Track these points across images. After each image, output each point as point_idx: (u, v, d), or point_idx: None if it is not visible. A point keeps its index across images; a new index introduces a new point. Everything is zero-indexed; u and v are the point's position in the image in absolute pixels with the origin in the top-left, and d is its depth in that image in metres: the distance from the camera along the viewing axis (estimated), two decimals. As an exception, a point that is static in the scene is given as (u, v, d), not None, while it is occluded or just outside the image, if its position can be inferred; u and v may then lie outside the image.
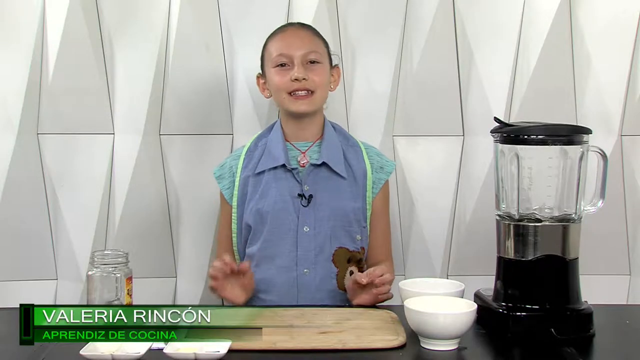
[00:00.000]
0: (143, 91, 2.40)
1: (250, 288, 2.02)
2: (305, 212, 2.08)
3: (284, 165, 2.10)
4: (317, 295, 2.06)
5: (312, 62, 2.11)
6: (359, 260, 2.13)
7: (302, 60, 2.09)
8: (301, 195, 2.08)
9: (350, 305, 1.97)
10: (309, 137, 2.15)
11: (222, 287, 1.96)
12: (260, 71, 2.19)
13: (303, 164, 2.12)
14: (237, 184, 2.13)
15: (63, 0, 2.35)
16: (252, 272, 2.03)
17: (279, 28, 2.19)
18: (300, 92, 2.09)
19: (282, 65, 2.10)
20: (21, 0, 2.37)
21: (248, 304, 2.07)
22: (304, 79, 2.08)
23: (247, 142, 2.20)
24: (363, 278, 1.91)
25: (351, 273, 2.08)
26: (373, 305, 1.93)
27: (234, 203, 2.13)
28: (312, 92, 2.10)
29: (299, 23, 2.22)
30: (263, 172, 2.11)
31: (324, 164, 2.10)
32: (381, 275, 1.91)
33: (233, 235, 2.15)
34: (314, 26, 2.22)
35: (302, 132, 2.15)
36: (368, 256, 2.16)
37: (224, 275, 1.94)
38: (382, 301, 1.94)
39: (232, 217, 2.14)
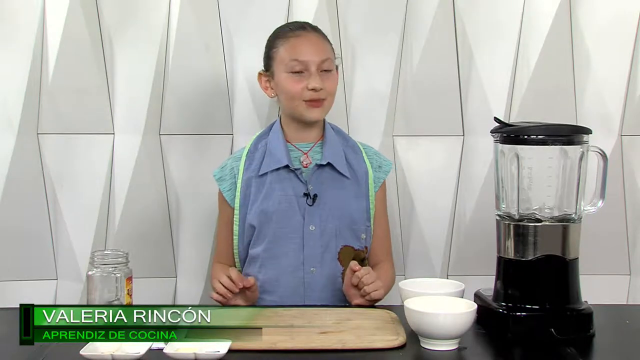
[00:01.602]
0: (143, 91, 2.40)
1: (253, 300, 2.01)
2: (311, 211, 2.08)
3: (286, 167, 2.09)
4: (323, 294, 2.07)
5: (326, 70, 2.09)
6: (362, 259, 2.13)
7: (317, 68, 2.07)
8: (307, 195, 2.08)
9: (350, 305, 1.97)
10: (310, 138, 2.15)
11: (226, 302, 1.95)
12: (264, 69, 2.17)
13: (306, 164, 2.12)
14: (239, 185, 2.12)
15: (63, 0, 2.35)
16: (257, 286, 2.02)
17: (290, 29, 2.14)
18: (315, 101, 2.08)
19: (297, 71, 2.08)
20: (21, 0, 2.37)
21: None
22: (321, 89, 2.07)
23: (246, 144, 2.19)
24: (357, 267, 1.95)
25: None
26: (373, 306, 1.93)
27: (237, 205, 2.12)
28: (324, 99, 2.09)
29: (309, 25, 2.16)
30: (266, 173, 2.11)
31: (328, 164, 2.10)
32: (363, 278, 1.93)
33: (234, 237, 2.14)
34: (317, 26, 2.19)
35: (303, 133, 2.15)
36: (369, 256, 2.16)
37: (229, 295, 1.93)
38: (375, 300, 1.94)
39: (234, 219, 2.13)
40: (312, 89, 2.06)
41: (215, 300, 1.95)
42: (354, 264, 1.96)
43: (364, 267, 1.97)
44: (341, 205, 2.10)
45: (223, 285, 1.93)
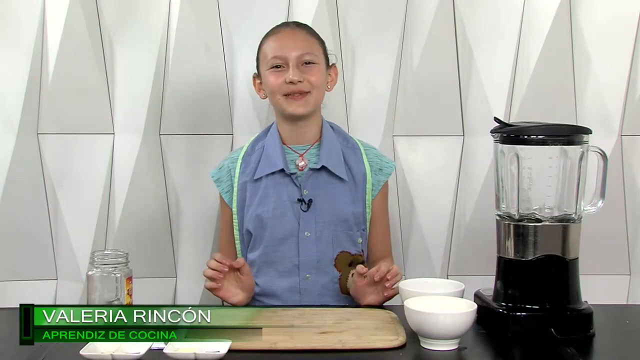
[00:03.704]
0: (143, 91, 2.40)
1: (248, 286, 1.99)
2: (306, 217, 2.07)
3: (282, 170, 2.09)
4: (320, 300, 2.06)
5: (308, 62, 2.08)
6: (360, 264, 2.13)
7: (297, 61, 2.07)
8: (301, 200, 2.08)
9: (350, 306, 1.97)
10: (307, 140, 2.14)
11: (220, 287, 1.94)
12: (257, 71, 2.18)
13: (301, 167, 2.11)
14: (235, 189, 2.12)
15: (63, 0, 2.35)
16: (249, 268, 2.01)
17: (273, 28, 2.17)
18: (295, 94, 2.07)
19: (276, 67, 2.08)
20: (21, 0, 2.37)
21: (248, 305, 2.07)
22: (299, 81, 2.06)
23: (244, 145, 2.19)
24: (375, 275, 1.90)
25: (353, 275, 2.09)
26: (372, 306, 1.93)
27: (234, 208, 2.12)
28: (307, 92, 2.08)
29: (294, 22, 2.20)
30: (261, 178, 2.10)
31: (323, 167, 2.09)
32: (389, 270, 1.90)
33: (236, 241, 2.14)
34: (312, 26, 2.20)
35: (299, 135, 2.13)
36: (368, 255, 2.16)
37: (220, 275, 1.92)
38: (391, 297, 1.93)
39: (234, 223, 2.13)
40: (290, 82, 2.05)
41: (209, 290, 1.94)
42: (360, 268, 1.94)
43: (382, 264, 1.93)
44: (337, 210, 2.08)
45: (211, 269, 1.91)
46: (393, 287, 1.90)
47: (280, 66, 2.08)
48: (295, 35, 2.12)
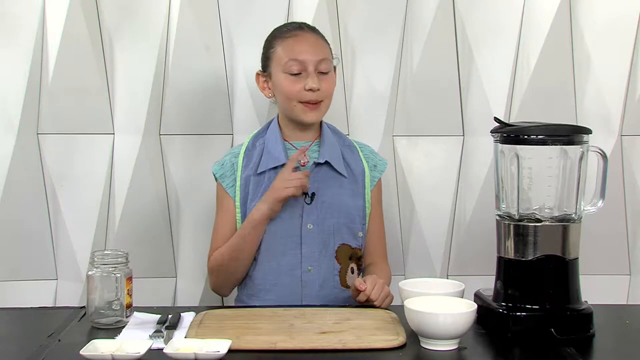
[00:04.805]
0: (143, 91, 2.40)
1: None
2: (309, 209, 2.08)
3: (284, 165, 2.09)
4: (321, 293, 2.07)
5: (323, 72, 2.08)
6: (359, 258, 2.13)
7: (315, 68, 2.07)
8: (305, 193, 2.08)
9: (350, 306, 1.97)
10: (308, 137, 2.15)
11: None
12: (262, 69, 2.16)
13: (303, 163, 2.12)
14: (238, 183, 2.12)
15: (63, 0, 2.35)
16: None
17: (287, 29, 2.13)
18: (310, 103, 2.08)
19: (295, 73, 2.07)
20: (21, 0, 2.37)
21: (249, 304, 2.07)
22: (318, 89, 2.07)
23: (243, 141, 2.19)
24: (360, 296, 1.91)
25: (352, 270, 2.09)
26: (373, 305, 1.93)
27: (237, 202, 2.12)
28: (321, 101, 2.09)
29: (306, 26, 2.16)
30: (264, 172, 2.11)
31: (326, 162, 2.10)
32: (373, 288, 1.90)
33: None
34: (314, 27, 2.20)
35: (301, 132, 2.14)
36: (364, 255, 2.16)
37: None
38: (388, 304, 1.94)
39: (237, 218, 2.13)
40: (310, 89, 2.06)
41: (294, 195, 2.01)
42: (359, 283, 1.92)
43: (368, 280, 1.93)
44: (339, 204, 2.10)
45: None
46: (384, 300, 1.91)
47: (298, 73, 2.07)
48: (312, 40, 2.11)
